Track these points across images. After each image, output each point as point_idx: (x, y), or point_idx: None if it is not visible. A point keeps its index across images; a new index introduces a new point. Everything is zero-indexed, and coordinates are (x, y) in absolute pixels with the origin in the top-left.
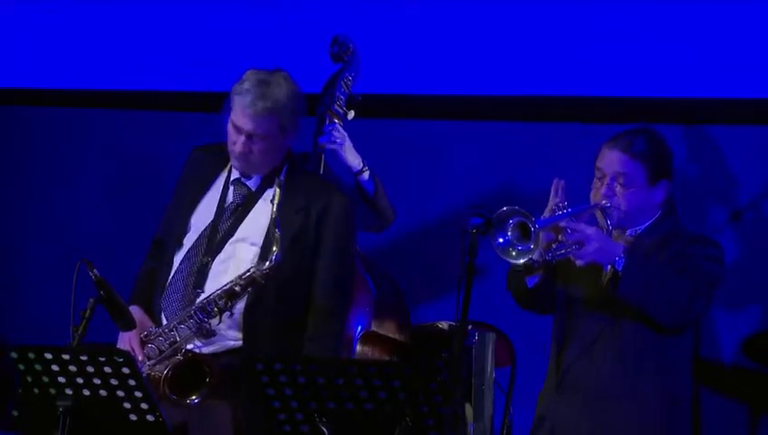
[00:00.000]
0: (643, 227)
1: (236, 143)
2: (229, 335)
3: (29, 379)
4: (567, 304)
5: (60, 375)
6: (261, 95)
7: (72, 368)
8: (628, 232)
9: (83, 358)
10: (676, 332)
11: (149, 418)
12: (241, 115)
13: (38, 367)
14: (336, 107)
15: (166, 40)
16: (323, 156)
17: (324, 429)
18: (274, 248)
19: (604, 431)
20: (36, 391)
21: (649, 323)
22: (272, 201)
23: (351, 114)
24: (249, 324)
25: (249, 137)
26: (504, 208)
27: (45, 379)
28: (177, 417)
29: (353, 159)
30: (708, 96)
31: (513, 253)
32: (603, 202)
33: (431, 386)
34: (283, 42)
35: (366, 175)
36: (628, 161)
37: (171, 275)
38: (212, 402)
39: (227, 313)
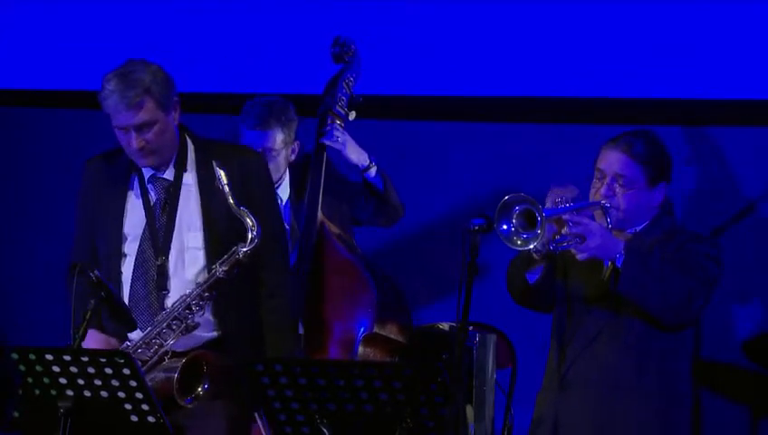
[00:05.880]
0: (641, 226)
1: (130, 142)
2: (204, 327)
3: (30, 380)
4: (568, 301)
5: (61, 376)
6: (126, 87)
7: (73, 369)
8: (627, 231)
9: (84, 359)
10: (676, 328)
11: (150, 419)
12: (119, 115)
13: (39, 368)
14: (338, 108)
15: (168, 42)
16: (326, 156)
17: (325, 430)
18: (251, 224)
19: (608, 426)
20: (37, 392)
21: (650, 319)
22: (223, 186)
23: (353, 115)
24: (218, 309)
25: (138, 130)
26: (510, 195)
27: (46, 380)
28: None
29: (358, 156)
30: (708, 97)
31: (518, 241)
32: (603, 201)
33: (432, 387)
34: (285, 43)
35: (373, 171)
36: (628, 163)
37: (129, 287)
38: (207, 402)
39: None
